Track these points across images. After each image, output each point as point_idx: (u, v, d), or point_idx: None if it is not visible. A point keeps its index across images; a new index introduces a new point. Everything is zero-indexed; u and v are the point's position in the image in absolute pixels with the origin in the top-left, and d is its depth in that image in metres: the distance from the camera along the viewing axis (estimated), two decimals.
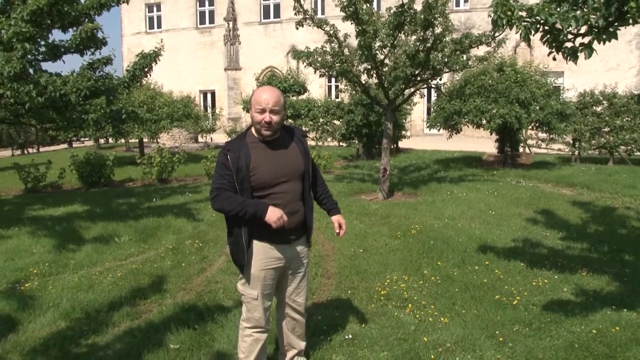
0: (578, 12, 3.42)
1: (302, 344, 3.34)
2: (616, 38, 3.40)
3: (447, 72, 9.47)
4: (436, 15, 8.41)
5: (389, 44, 8.69)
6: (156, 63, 9.01)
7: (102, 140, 23.02)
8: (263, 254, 2.99)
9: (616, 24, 3.36)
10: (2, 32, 7.18)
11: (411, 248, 6.08)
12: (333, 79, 26.14)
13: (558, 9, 3.47)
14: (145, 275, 5.23)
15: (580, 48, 3.53)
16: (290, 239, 3.06)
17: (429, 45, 8.71)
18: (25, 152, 21.86)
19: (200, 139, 23.57)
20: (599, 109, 14.69)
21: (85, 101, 8.20)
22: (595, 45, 3.47)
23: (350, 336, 3.78)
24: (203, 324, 4.01)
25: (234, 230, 2.97)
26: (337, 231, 3.29)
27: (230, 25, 30.49)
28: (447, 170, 12.94)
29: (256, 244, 2.98)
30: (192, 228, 7.32)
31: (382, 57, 9.03)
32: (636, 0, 3.11)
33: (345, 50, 9.23)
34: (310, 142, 18.84)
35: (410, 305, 4.34)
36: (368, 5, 8.59)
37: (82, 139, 20.65)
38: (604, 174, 11.86)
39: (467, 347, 3.60)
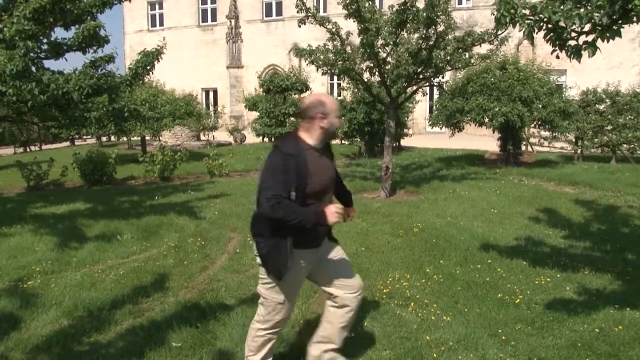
0: (582, 10, 3.41)
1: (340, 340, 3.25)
2: (620, 36, 3.38)
3: (450, 70, 9.46)
4: (439, 13, 8.40)
5: (391, 42, 8.67)
6: (158, 61, 9.01)
7: (104, 138, 23.05)
8: (297, 260, 2.96)
9: (620, 21, 3.34)
10: (5, 30, 7.18)
11: (413, 246, 6.07)
12: (335, 77, 26.13)
13: (562, 7, 3.46)
14: (147, 273, 5.24)
15: (583, 46, 3.52)
16: (319, 243, 3.08)
17: (431, 43, 8.70)
18: (28, 150, 21.89)
19: (202, 137, 23.60)
20: (601, 107, 14.65)
21: (87, 99, 8.21)
22: (598, 43, 3.45)
23: (352, 334, 3.76)
24: (205, 322, 4.01)
25: (277, 236, 2.88)
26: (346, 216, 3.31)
27: (233, 23, 30.47)
28: (450, 168, 12.92)
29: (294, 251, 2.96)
30: (194, 226, 7.32)
31: (384, 55, 9.01)
32: None
33: (348, 48, 9.21)
34: None
35: (412, 303, 4.34)
36: (370, 3, 8.58)
37: (85, 137, 20.65)
38: (607, 172, 11.83)
39: (470, 346, 3.60)
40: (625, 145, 14.28)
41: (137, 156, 14.31)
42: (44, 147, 23.05)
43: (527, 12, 3.56)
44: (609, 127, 14.34)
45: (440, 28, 8.65)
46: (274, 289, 3.00)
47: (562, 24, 3.48)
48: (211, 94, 32.30)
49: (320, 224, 2.83)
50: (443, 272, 5.15)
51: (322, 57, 9.27)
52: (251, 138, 22.11)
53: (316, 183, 2.89)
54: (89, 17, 8.36)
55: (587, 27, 3.45)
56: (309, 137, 2.96)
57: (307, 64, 9.58)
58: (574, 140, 15.05)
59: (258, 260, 3.03)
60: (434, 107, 14.97)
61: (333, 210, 2.83)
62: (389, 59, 9.18)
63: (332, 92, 27.64)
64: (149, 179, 12.31)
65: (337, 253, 3.21)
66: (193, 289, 4.86)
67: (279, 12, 29.66)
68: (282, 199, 2.77)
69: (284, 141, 2.99)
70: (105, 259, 5.79)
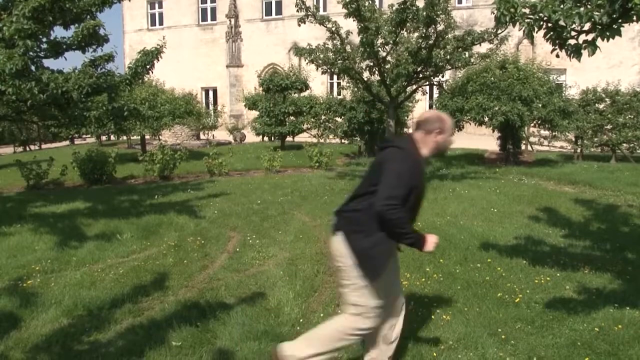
0: (582, 8, 3.40)
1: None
2: (620, 35, 3.38)
3: (449, 69, 9.48)
4: (438, 12, 8.41)
5: (391, 41, 8.69)
6: (158, 60, 9.00)
7: (103, 137, 23.05)
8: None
9: (620, 20, 3.34)
10: (4, 29, 7.17)
11: None
12: (335, 76, 26.14)
13: (561, 6, 3.46)
14: (147, 273, 5.23)
15: (583, 45, 3.52)
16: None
17: (431, 42, 8.71)
18: (27, 149, 21.87)
19: (202, 136, 23.59)
20: (601, 106, 14.65)
21: (87, 98, 8.20)
22: (598, 42, 3.45)
23: None
24: (205, 321, 4.00)
25: (379, 234, 2.84)
26: None
27: (232, 22, 30.47)
28: (449, 167, 12.92)
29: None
30: (194, 225, 7.32)
31: (384, 54, 9.03)
32: None
33: (347, 47, 9.22)
34: (312, 139, 18.84)
35: (412, 302, 4.33)
36: (370, 2, 8.59)
37: (84, 136, 20.66)
38: (607, 171, 11.83)
39: (470, 345, 3.59)
40: (625, 145, 14.29)
41: (136, 155, 14.31)
42: (43, 146, 23.02)
43: (526, 11, 3.56)
44: (609, 127, 14.35)
45: (440, 27, 8.67)
46: (368, 294, 2.88)
47: (562, 22, 3.47)
48: (211, 93, 32.30)
49: (416, 245, 2.85)
50: (443, 271, 5.15)
51: (321, 56, 9.29)
52: (251, 137, 22.12)
53: (420, 195, 2.94)
54: (88, 16, 8.35)
55: (587, 26, 3.45)
56: (423, 147, 2.98)
57: (307, 63, 9.60)
58: (573, 139, 15.05)
59: (346, 261, 2.90)
60: (434, 106, 14.97)
61: (433, 240, 2.86)
62: (388, 58, 9.20)
63: (332, 91, 27.63)
64: (148, 178, 12.30)
65: (397, 264, 3.22)
66: (193, 288, 4.85)
67: (279, 11, 29.66)
68: (400, 202, 2.74)
69: (410, 146, 2.96)
70: (105, 258, 5.79)
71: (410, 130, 18.65)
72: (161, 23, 33.03)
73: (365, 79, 10.04)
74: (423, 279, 4.92)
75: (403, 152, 2.87)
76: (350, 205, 2.98)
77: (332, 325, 3.01)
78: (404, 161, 2.82)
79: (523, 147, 16.36)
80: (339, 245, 2.93)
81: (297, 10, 8.80)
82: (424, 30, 8.70)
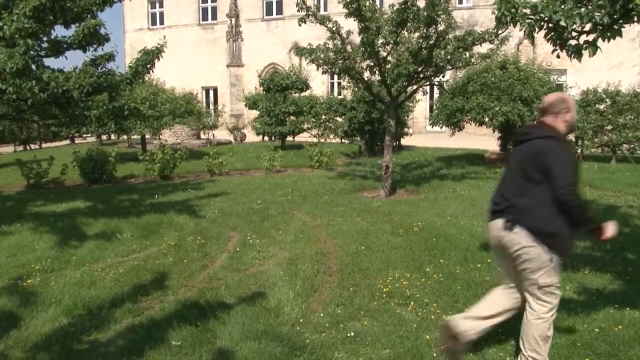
0: (582, 9, 3.41)
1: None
2: (620, 35, 3.39)
3: (450, 69, 9.45)
4: (439, 12, 8.39)
5: (391, 41, 8.68)
6: (159, 59, 9.00)
7: (104, 137, 23.04)
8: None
9: (621, 21, 3.35)
10: (5, 28, 7.17)
11: (413, 245, 6.07)
12: (335, 76, 26.13)
13: (562, 6, 3.46)
14: (147, 272, 5.24)
15: (584, 46, 3.52)
16: None
17: (431, 42, 8.69)
18: (28, 148, 21.88)
19: (202, 136, 23.57)
20: (602, 107, 14.63)
21: (87, 97, 8.21)
22: (599, 42, 3.45)
23: (352, 333, 3.78)
24: (205, 321, 4.01)
25: (563, 221, 3.03)
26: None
27: (233, 22, 30.46)
28: (450, 167, 12.92)
29: None
30: (194, 225, 7.32)
31: (384, 54, 9.02)
32: None
33: (348, 47, 9.21)
34: (313, 139, 18.84)
35: (412, 302, 4.34)
36: (371, 1, 8.58)
37: (84, 135, 20.67)
38: (607, 172, 11.83)
39: (470, 345, 3.59)
40: (625, 145, 14.26)
41: (137, 155, 14.32)
42: (44, 145, 23.02)
43: (527, 11, 3.57)
44: (609, 127, 14.32)
45: (441, 27, 8.65)
46: (552, 273, 3.13)
47: (562, 23, 3.48)
48: (211, 93, 32.28)
49: (592, 233, 3.07)
50: (443, 271, 5.14)
51: (322, 56, 9.27)
52: (251, 137, 22.12)
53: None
54: (89, 15, 8.36)
55: (587, 27, 3.45)
56: (569, 128, 3.17)
57: (308, 63, 9.57)
58: (574, 140, 15.03)
59: (531, 249, 3.07)
60: (434, 106, 14.97)
61: (611, 228, 3.07)
62: (389, 58, 9.18)
63: (332, 91, 27.62)
64: (149, 177, 12.30)
65: None
66: (193, 287, 4.86)
67: (280, 10, 29.65)
68: (576, 187, 2.95)
69: (556, 132, 3.10)
70: (105, 258, 5.79)
71: (411, 130, 18.54)
72: (162, 22, 33.01)
73: (366, 79, 10.03)
74: (423, 279, 4.91)
75: (558, 140, 3.05)
76: (515, 201, 3.11)
77: (532, 325, 3.20)
78: (564, 149, 3.04)
79: None
80: (519, 238, 3.08)
81: (298, 10, 8.79)
82: (425, 31, 8.68)
